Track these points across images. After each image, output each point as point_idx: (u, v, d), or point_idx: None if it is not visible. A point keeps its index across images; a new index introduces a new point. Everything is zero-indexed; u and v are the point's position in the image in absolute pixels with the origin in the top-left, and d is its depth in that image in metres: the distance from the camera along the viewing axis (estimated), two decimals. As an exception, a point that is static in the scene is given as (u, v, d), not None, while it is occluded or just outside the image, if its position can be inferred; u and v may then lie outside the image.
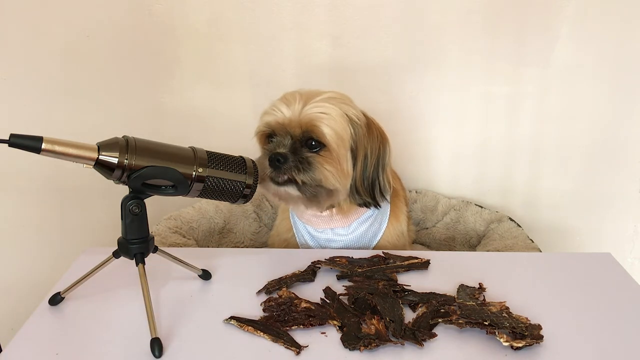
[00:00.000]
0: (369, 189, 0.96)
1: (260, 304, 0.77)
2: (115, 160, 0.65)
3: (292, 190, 0.91)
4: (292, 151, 0.90)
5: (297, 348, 0.67)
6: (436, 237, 1.41)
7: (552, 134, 1.42)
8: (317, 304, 0.77)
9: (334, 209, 0.98)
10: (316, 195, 0.92)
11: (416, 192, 1.45)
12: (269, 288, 0.80)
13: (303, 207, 0.97)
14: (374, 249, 1.03)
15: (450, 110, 1.41)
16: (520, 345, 0.66)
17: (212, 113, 1.40)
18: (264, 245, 1.36)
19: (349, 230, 1.01)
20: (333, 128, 0.90)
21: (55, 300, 0.76)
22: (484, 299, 0.78)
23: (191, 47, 1.33)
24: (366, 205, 0.98)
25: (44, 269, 1.45)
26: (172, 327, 0.72)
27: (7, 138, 0.59)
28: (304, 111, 0.90)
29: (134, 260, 0.71)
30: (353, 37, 1.32)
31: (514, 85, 1.36)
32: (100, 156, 0.64)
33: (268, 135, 0.95)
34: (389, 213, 1.05)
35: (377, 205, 0.98)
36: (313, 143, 0.91)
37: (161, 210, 1.28)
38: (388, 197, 1.00)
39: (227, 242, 1.33)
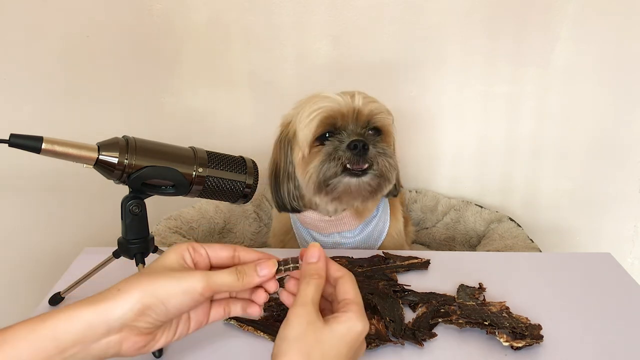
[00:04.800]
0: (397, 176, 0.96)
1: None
2: (115, 160, 0.65)
3: (369, 179, 0.88)
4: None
5: (297, 348, 0.67)
6: (436, 237, 1.41)
7: (552, 133, 1.42)
8: (317, 304, 0.77)
9: (346, 211, 0.97)
10: (380, 186, 0.90)
11: (416, 192, 1.45)
12: (269, 288, 0.80)
13: (357, 204, 0.93)
14: (378, 248, 1.03)
15: (450, 110, 1.41)
16: (520, 345, 0.66)
17: (212, 113, 1.41)
18: (264, 245, 1.36)
19: (355, 233, 1.01)
20: (389, 117, 0.91)
21: (56, 300, 0.76)
22: (484, 299, 0.78)
23: (191, 47, 1.33)
24: (393, 194, 0.98)
25: (44, 269, 1.45)
26: (172, 327, 0.72)
27: (7, 138, 0.59)
28: (362, 99, 0.88)
29: (134, 260, 0.71)
30: (353, 37, 1.32)
31: (514, 85, 1.36)
32: (100, 156, 0.64)
33: (318, 138, 0.90)
34: (389, 212, 1.05)
35: (396, 193, 0.98)
36: (371, 132, 0.90)
37: (161, 210, 1.28)
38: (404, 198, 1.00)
39: (227, 242, 1.33)
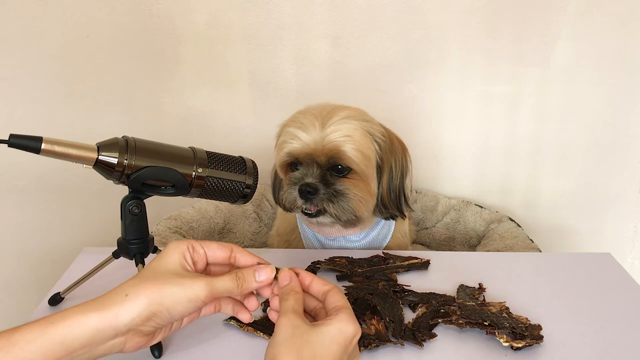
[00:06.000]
0: (396, 201, 0.94)
1: (261, 304, 0.77)
2: (114, 161, 0.65)
3: (325, 219, 0.90)
4: (321, 180, 0.87)
5: (297, 348, 0.67)
6: (436, 237, 1.41)
7: (552, 133, 1.42)
8: (317, 304, 0.77)
9: None
10: (348, 221, 0.90)
11: (416, 192, 1.45)
12: (268, 288, 0.80)
13: (337, 227, 0.96)
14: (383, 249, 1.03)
15: (450, 110, 1.41)
16: (520, 345, 0.66)
17: (212, 113, 1.40)
18: (264, 245, 1.36)
19: (360, 237, 1.00)
20: (359, 149, 0.87)
21: (55, 300, 0.76)
22: (484, 299, 0.78)
23: (191, 47, 1.33)
24: (392, 217, 0.97)
25: (44, 269, 1.45)
26: (172, 327, 0.72)
27: (7, 138, 0.59)
28: (326, 136, 0.86)
29: (134, 260, 0.71)
30: (353, 37, 1.32)
31: (514, 85, 1.36)
32: (100, 156, 0.64)
33: (290, 163, 0.92)
34: None
35: (403, 215, 0.97)
36: (339, 167, 0.88)
37: (161, 210, 1.28)
38: (411, 206, 0.99)
39: (227, 242, 1.33)
